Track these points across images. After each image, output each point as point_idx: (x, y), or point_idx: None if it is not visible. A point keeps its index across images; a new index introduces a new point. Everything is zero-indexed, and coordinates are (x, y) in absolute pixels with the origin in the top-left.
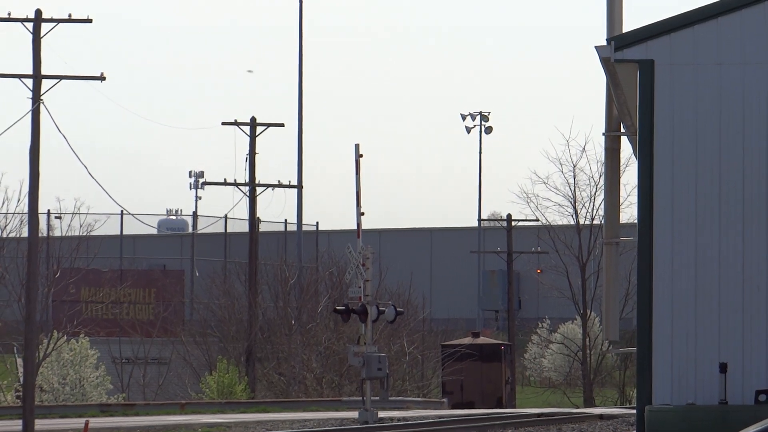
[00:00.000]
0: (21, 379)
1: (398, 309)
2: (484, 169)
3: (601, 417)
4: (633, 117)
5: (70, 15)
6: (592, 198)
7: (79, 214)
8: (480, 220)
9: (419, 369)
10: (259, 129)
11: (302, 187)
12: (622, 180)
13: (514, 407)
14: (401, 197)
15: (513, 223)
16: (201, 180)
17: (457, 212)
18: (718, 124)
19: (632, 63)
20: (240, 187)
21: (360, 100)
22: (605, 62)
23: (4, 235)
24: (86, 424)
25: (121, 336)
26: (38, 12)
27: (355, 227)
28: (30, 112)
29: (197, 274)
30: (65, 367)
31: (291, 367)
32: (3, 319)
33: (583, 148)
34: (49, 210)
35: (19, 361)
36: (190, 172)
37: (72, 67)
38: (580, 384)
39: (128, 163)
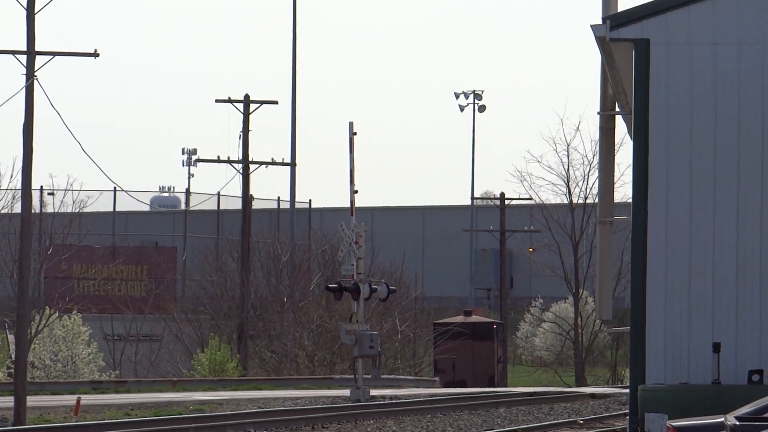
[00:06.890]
0: (12, 355)
1: (390, 287)
2: (477, 147)
3: (593, 396)
4: (628, 96)
5: None
6: (586, 177)
7: (72, 190)
8: (473, 198)
9: (411, 347)
10: (252, 107)
11: (295, 164)
12: (616, 159)
13: (505, 386)
14: (394, 175)
15: (506, 202)
16: (194, 157)
17: (449, 191)
18: (713, 104)
19: (628, 42)
20: (233, 164)
21: (354, 79)
22: (600, 41)
23: None
24: (78, 400)
25: (113, 313)
26: None
27: (348, 205)
28: (24, 89)
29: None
30: (57, 344)
31: (283, 345)
32: None
33: (577, 127)
34: (42, 186)
35: (11, 337)
36: (183, 149)
37: (67, 44)
38: (572, 363)
39: (121, 140)
